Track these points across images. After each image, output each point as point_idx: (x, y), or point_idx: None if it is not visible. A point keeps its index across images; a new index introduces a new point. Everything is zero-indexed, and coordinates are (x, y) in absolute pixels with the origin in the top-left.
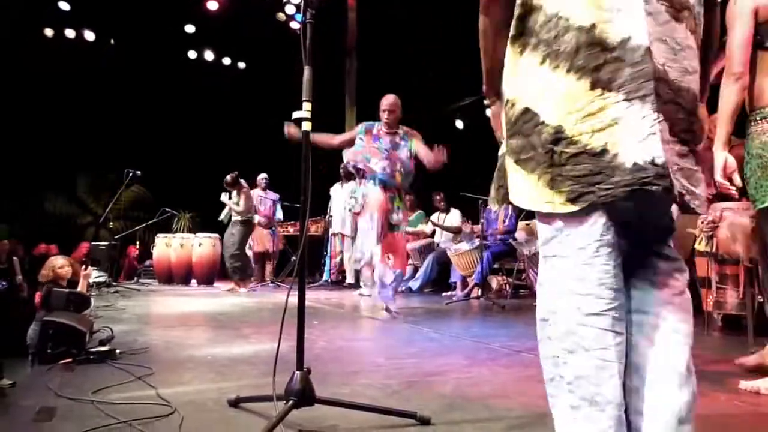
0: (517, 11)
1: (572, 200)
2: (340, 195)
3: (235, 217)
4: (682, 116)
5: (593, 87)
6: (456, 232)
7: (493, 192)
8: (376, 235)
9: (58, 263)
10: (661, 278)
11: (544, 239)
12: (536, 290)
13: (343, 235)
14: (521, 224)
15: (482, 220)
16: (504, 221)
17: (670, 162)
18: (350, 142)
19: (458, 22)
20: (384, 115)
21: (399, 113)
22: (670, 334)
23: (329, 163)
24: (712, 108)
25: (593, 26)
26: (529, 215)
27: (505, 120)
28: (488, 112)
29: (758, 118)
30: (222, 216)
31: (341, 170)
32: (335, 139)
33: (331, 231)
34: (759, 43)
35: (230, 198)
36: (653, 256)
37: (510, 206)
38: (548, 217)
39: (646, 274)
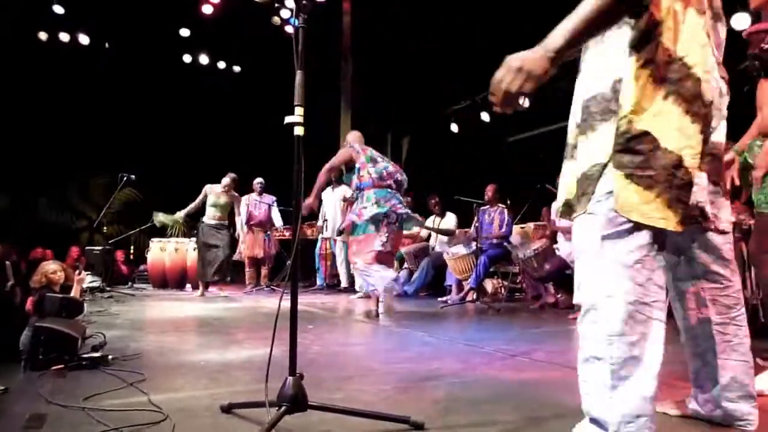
0: (642, 26)
1: (681, 222)
2: (330, 199)
3: (224, 221)
4: (717, 165)
5: (700, 132)
6: (449, 234)
7: (569, 200)
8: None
9: (50, 269)
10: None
11: (630, 247)
12: (581, 284)
13: (335, 239)
14: (516, 228)
15: (476, 224)
16: (500, 226)
17: (706, 202)
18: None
19: (453, 27)
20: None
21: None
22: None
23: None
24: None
25: (700, 82)
26: (524, 219)
27: (615, 132)
28: (543, 67)
29: None
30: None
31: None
32: (327, 167)
33: (321, 235)
34: None
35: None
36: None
37: (506, 211)
38: (637, 228)
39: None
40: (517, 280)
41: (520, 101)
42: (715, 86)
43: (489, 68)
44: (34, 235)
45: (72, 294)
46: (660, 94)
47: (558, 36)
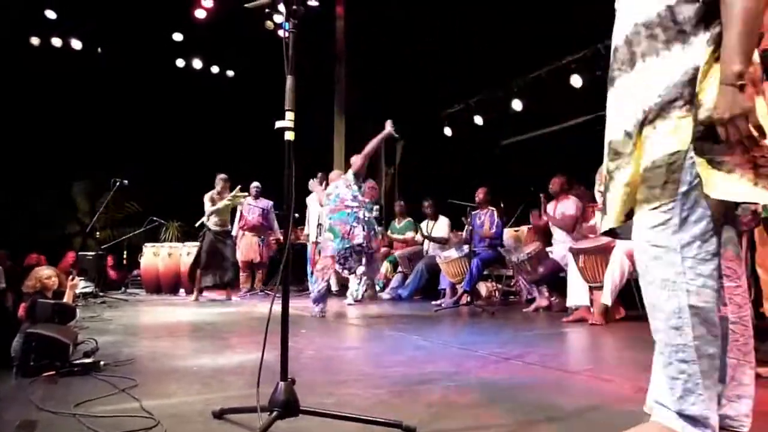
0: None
1: None
2: (317, 204)
3: (227, 227)
4: None
5: None
6: (443, 242)
7: (652, 191)
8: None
9: (45, 274)
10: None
11: (696, 233)
12: (650, 265)
13: None
14: (509, 231)
15: (468, 227)
16: (490, 228)
17: None
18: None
19: (447, 31)
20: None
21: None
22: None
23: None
24: None
25: (757, 67)
26: (517, 222)
27: (694, 121)
28: (745, 98)
29: None
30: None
31: (317, 179)
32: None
33: (310, 240)
34: None
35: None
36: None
37: (495, 213)
38: (715, 214)
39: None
40: (511, 283)
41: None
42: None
43: (482, 72)
44: (27, 240)
45: (65, 300)
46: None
47: (734, 61)
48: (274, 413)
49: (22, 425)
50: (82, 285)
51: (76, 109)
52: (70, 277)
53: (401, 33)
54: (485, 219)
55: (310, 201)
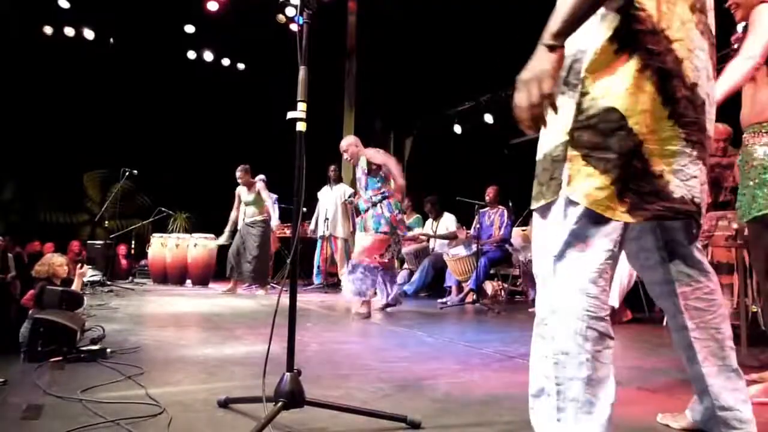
0: (624, 9)
1: (630, 213)
2: (329, 197)
3: (255, 217)
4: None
5: (670, 117)
6: (451, 238)
7: (540, 188)
8: None
9: (58, 261)
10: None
11: (566, 237)
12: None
13: (335, 238)
14: (517, 230)
15: (476, 225)
16: (500, 228)
17: (702, 201)
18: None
19: (458, 28)
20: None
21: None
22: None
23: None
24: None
25: (682, 61)
26: (525, 221)
27: (575, 109)
28: (549, 59)
29: (763, 131)
30: (224, 236)
31: (331, 173)
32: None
33: (319, 233)
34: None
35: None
36: (683, 262)
37: (506, 213)
38: (586, 218)
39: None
40: (517, 283)
41: (548, 108)
42: (702, 67)
43: (493, 70)
44: (36, 228)
45: (73, 287)
46: (633, 67)
47: (554, 21)
48: (280, 404)
49: (29, 409)
50: (90, 273)
51: (86, 99)
52: (78, 265)
53: (413, 29)
54: (495, 218)
55: (324, 194)
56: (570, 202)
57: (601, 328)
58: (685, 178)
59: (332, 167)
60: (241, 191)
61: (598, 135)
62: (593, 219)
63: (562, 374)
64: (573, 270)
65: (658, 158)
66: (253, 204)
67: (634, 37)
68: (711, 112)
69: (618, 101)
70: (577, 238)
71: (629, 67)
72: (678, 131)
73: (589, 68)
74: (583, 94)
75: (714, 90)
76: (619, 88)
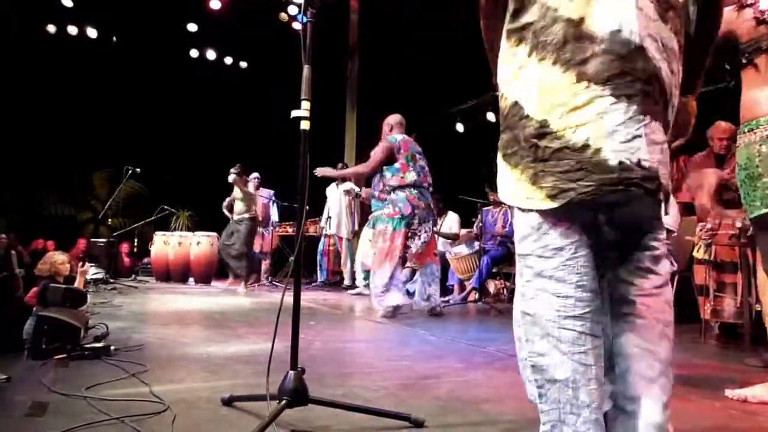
0: (512, 5)
1: (552, 197)
2: (335, 195)
3: (243, 215)
4: (669, 116)
5: (579, 80)
6: (453, 238)
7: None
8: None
9: (59, 259)
10: (644, 269)
11: (520, 237)
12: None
13: (339, 238)
14: None
15: (479, 224)
16: (504, 226)
17: (656, 163)
18: (382, 163)
19: (460, 26)
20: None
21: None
22: (653, 324)
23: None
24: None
25: (582, 20)
26: None
27: (500, 114)
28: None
29: (746, 130)
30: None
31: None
32: (366, 167)
33: (324, 232)
34: (748, 60)
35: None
36: (637, 250)
37: (510, 212)
38: (526, 214)
39: (630, 265)
40: None
41: None
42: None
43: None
44: (39, 226)
45: (75, 285)
46: (524, 54)
47: None
48: (283, 402)
49: (33, 406)
50: (93, 271)
51: (89, 97)
52: (81, 263)
53: (415, 27)
54: (498, 217)
55: (330, 192)
56: (510, 206)
57: (578, 327)
58: (625, 139)
59: (339, 166)
60: (235, 189)
61: (510, 132)
62: (529, 217)
63: (540, 376)
64: (537, 270)
65: (576, 127)
66: (242, 201)
67: (523, 27)
68: (667, 52)
69: (513, 91)
70: (526, 237)
71: (519, 55)
72: (598, 91)
73: (498, 70)
74: (500, 96)
75: (676, 24)
76: (510, 77)
